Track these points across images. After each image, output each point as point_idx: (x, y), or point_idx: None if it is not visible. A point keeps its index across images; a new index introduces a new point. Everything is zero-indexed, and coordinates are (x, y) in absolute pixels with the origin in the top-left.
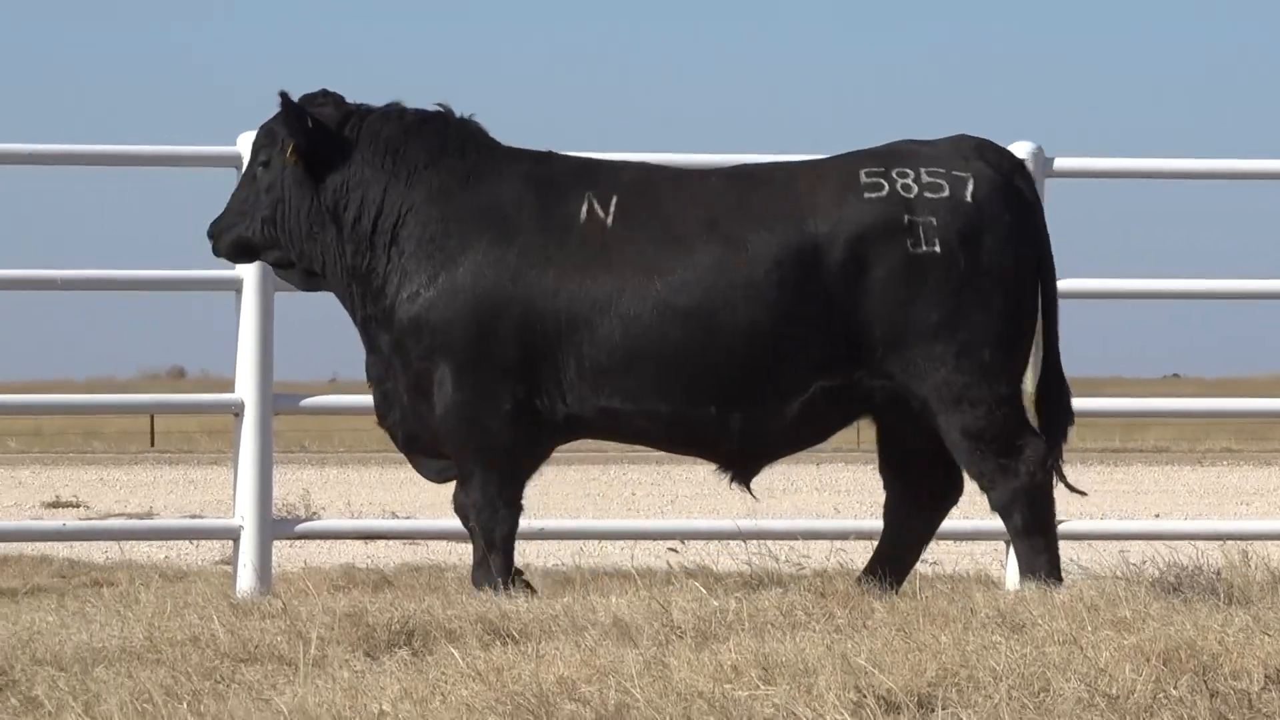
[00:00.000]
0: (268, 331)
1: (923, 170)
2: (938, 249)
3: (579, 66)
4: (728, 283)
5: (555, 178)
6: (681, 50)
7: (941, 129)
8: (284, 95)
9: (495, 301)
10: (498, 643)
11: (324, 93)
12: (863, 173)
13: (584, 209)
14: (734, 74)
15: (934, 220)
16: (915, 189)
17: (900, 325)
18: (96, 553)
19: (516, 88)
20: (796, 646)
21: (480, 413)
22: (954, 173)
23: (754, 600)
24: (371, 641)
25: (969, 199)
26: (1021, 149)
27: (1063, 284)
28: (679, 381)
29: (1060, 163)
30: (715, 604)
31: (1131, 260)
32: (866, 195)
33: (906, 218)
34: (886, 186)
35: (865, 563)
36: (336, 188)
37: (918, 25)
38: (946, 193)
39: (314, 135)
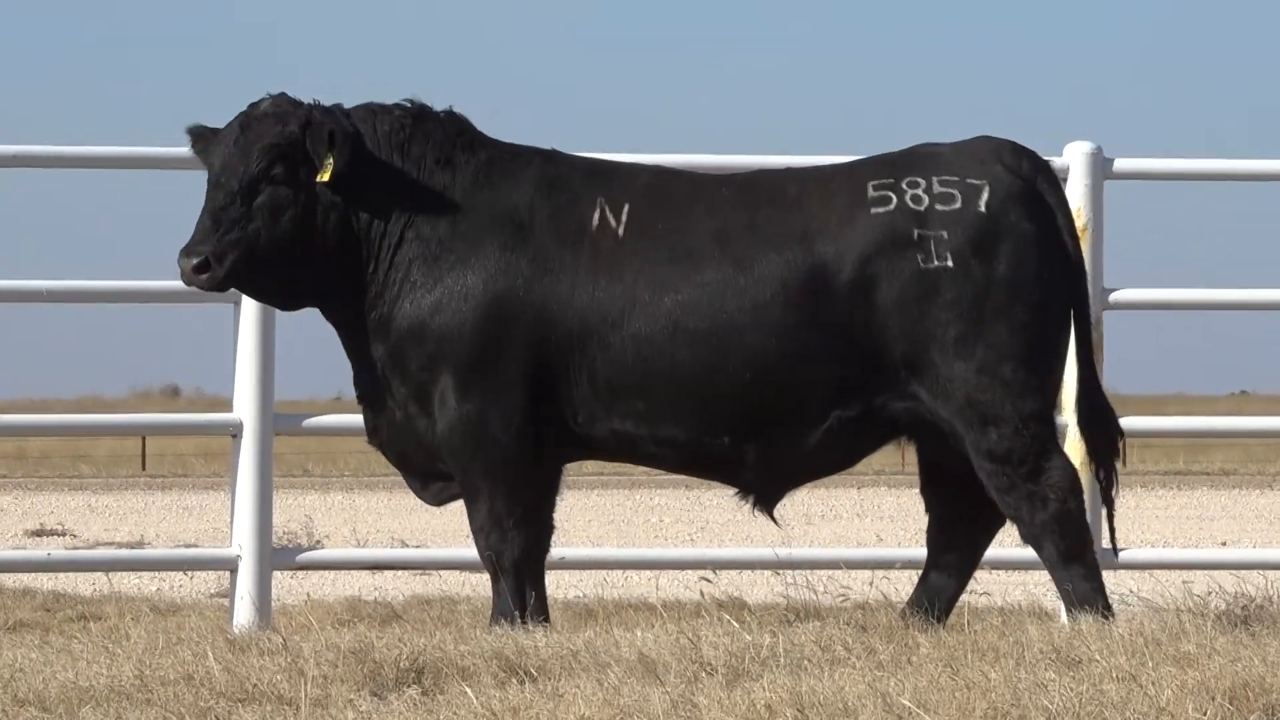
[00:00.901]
0: (268, 347)
1: (935, 179)
2: (950, 263)
3: (587, 61)
4: (737, 305)
5: (566, 180)
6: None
7: (999, 128)
8: (319, 108)
9: (508, 309)
10: (514, 681)
11: (284, 97)
12: (870, 185)
13: (596, 216)
14: (789, 70)
15: (945, 234)
16: (926, 200)
17: (918, 345)
18: (84, 585)
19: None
20: (835, 684)
21: (487, 427)
22: (968, 180)
23: (790, 635)
24: (378, 680)
25: (983, 208)
26: (1079, 149)
27: (1122, 294)
28: (691, 407)
29: (1120, 164)
30: (748, 639)
31: (1197, 268)
32: (874, 210)
33: (916, 232)
34: (895, 199)
35: (909, 593)
36: (355, 197)
37: (977, 20)
38: (959, 203)
39: (356, 151)
